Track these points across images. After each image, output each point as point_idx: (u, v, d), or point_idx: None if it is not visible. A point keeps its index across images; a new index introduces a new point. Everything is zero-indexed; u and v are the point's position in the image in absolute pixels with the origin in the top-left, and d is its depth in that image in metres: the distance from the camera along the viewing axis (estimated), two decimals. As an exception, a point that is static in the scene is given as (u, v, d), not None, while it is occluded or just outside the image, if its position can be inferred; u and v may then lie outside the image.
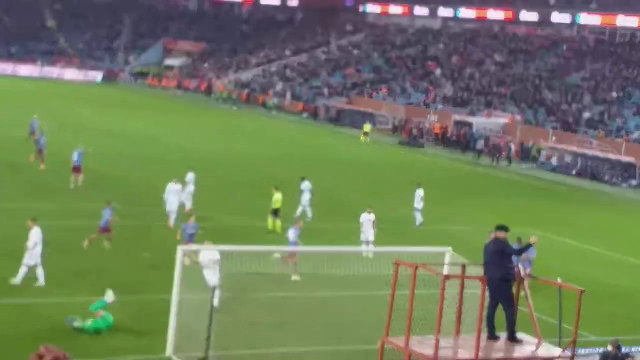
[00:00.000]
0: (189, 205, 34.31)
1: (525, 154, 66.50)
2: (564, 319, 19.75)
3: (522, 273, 16.04)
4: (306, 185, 36.03)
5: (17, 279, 24.11)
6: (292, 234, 27.54)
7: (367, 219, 30.43)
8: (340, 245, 27.66)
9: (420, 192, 37.00)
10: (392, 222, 37.08)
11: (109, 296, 21.87)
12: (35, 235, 24.16)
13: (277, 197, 33.09)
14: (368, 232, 30.17)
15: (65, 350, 19.53)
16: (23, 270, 24.18)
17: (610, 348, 19.37)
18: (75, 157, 38.15)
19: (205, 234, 28.76)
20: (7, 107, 67.07)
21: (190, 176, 35.64)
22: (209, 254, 22.08)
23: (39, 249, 24.24)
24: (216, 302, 21.52)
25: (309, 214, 35.67)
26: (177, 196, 32.75)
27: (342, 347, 21.21)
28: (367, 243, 29.76)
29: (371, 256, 25.29)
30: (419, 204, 36.83)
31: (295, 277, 25.82)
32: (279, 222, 33.07)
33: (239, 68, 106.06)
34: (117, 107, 77.13)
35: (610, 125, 67.90)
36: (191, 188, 35.08)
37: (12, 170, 41.43)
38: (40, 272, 24.26)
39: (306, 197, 35.77)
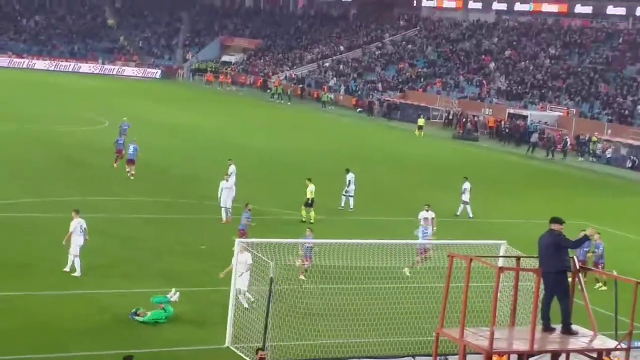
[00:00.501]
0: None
1: (580, 147, 65.84)
2: (620, 312, 19.75)
3: (577, 265, 16.05)
4: (350, 176, 37.07)
5: (76, 271, 24.76)
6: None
7: (425, 216, 30.40)
8: (394, 239, 27.89)
9: (466, 185, 37.47)
10: (447, 215, 37.19)
11: (173, 295, 22.33)
12: (72, 225, 24.79)
13: (311, 188, 34.01)
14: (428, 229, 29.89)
15: (123, 341, 20.09)
16: (70, 259, 24.86)
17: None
18: (130, 149, 40.07)
19: (257, 226, 29.28)
20: (69, 103, 68.34)
21: (232, 168, 36.42)
22: (242, 256, 22.22)
23: (77, 239, 24.81)
24: (245, 303, 22.11)
25: (351, 203, 36.87)
26: (229, 192, 33.25)
27: (396, 338, 21.40)
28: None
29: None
30: (465, 196, 37.34)
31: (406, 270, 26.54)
32: (312, 213, 33.85)
33: (293, 64, 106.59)
34: (175, 102, 78.16)
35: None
36: (233, 179, 35.56)
37: (68, 163, 42.38)
38: (77, 263, 24.86)
39: (351, 188, 36.92)
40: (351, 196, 36.97)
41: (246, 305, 22.24)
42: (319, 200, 34.84)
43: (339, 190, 37.58)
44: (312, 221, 33.34)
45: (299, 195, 36.91)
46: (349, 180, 36.97)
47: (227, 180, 33.61)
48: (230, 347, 20.54)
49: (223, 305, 21.58)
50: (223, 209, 33.01)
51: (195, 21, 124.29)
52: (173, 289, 22.57)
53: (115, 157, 41.57)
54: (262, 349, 17.27)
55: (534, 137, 65.94)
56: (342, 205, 37.15)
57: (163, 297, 22.25)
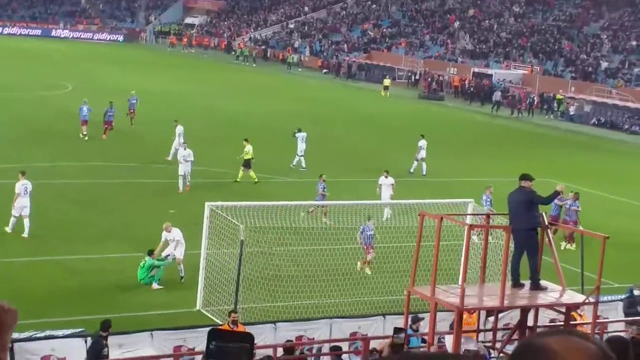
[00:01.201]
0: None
1: (545, 105, 66.31)
2: (587, 267, 20.04)
3: (546, 221, 16.20)
4: (301, 135, 37.32)
5: (25, 232, 24.74)
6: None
7: (385, 182, 30.48)
8: (364, 199, 28.01)
9: (421, 143, 38.06)
10: (413, 175, 37.41)
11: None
12: (17, 187, 24.84)
13: (248, 148, 34.01)
14: (385, 195, 30.02)
15: (95, 306, 20.08)
16: (12, 221, 24.93)
17: (637, 292, 19.66)
18: (84, 111, 40.69)
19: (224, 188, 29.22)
20: (30, 68, 67.42)
21: (179, 129, 36.94)
22: (165, 233, 22.80)
23: (22, 201, 24.75)
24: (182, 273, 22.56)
25: (303, 163, 37.15)
26: (188, 159, 32.40)
27: (367, 297, 21.59)
28: (385, 206, 29.65)
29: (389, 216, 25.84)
30: (421, 154, 37.89)
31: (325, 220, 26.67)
32: (252, 173, 33.88)
33: (257, 25, 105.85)
34: (139, 66, 77.35)
35: (629, 73, 67.50)
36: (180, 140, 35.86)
37: (32, 128, 41.94)
38: (26, 224, 24.84)
39: (301, 147, 37.16)
40: (301, 156, 37.24)
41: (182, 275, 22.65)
42: (282, 162, 34.91)
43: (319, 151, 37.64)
44: (256, 180, 33.62)
45: (264, 157, 36.94)
46: (297, 138, 37.33)
47: (184, 148, 32.74)
48: (202, 310, 20.60)
49: (193, 269, 21.62)
50: (181, 178, 32.06)
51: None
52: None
53: (104, 129, 40.73)
54: (235, 311, 17.32)
55: (497, 96, 66.26)
56: (294, 164, 37.46)
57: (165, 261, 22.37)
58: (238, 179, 33.85)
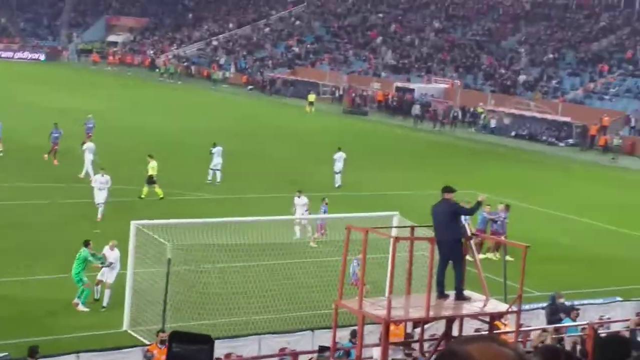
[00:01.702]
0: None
1: (466, 118, 67.55)
2: (509, 276, 20.50)
3: (469, 232, 16.56)
4: (217, 150, 37.95)
5: None
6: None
7: (298, 203, 30.11)
8: (289, 215, 28.17)
9: (336, 156, 38.96)
10: (337, 189, 37.71)
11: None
12: None
13: (152, 164, 34.09)
14: (299, 215, 29.47)
15: (21, 329, 19.78)
16: None
17: (558, 299, 20.17)
18: None
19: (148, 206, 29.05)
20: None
21: (89, 145, 37.34)
22: (107, 251, 22.41)
23: None
24: (107, 300, 22.04)
25: (218, 177, 37.68)
26: (104, 187, 31.11)
27: (296, 313, 21.69)
28: (301, 225, 29.31)
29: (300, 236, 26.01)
30: (337, 166, 38.71)
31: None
32: (158, 189, 33.93)
33: (182, 42, 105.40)
34: (62, 84, 76.23)
35: (546, 86, 69.20)
36: (89, 157, 36.44)
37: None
38: None
39: (216, 161, 37.69)
40: (218, 170, 37.71)
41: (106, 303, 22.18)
42: (206, 178, 35.01)
43: (228, 168, 37.76)
44: (161, 196, 33.68)
45: (192, 176, 36.85)
46: (214, 154, 37.78)
47: (102, 175, 31.30)
48: (129, 330, 20.45)
49: (120, 289, 21.44)
50: (100, 206, 30.64)
51: (79, 1, 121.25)
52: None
53: (51, 152, 39.56)
54: (163, 331, 17.26)
55: (416, 109, 67.47)
56: (210, 179, 37.79)
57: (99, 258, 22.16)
58: (142, 196, 33.84)
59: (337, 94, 77.94)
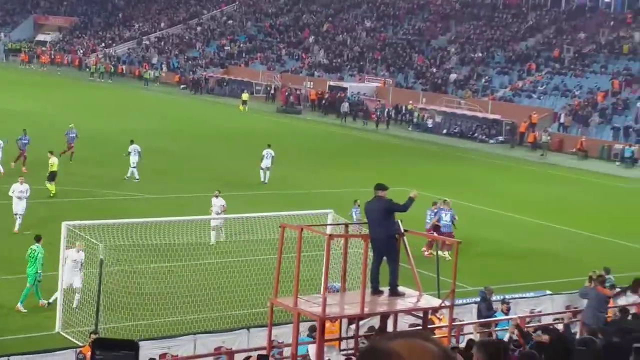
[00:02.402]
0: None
1: (399, 116, 68.13)
2: (443, 272, 20.75)
3: (401, 229, 16.66)
4: (134, 147, 38.09)
5: None
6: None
7: (216, 203, 29.19)
8: (225, 214, 28.06)
9: (265, 152, 39.36)
10: (272, 188, 37.70)
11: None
12: None
13: (52, 161, 33.83)
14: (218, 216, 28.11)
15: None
16: None
17: (487, 294, 20.49)
18: None
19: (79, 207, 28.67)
20: None
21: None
22: (73, 253, 21.38)
23: None
24: (76, 303, 21.31)
25: (136, 175, 37.74)
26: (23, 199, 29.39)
27: (231, 311, 21.63)
28: (218, 228, 28.19)
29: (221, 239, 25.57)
30: (264, 163, 39.13)
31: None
32: (53, 186, 33.60)
33: (112, 41, 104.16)
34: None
35: (476, 84, 70.17)
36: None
37: None
38: None
39: (134, 159, 37.85)
40: (134, 168, 37.85)
41: (75, 305, 21.45)
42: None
43: (159, 167, 37.55)
44: (53, 194, 33.33)
45: (116, 175, 36.53)
46: (130, 152, 37.88)
47: (21, 183, 29.17)
48: (61, 332, 20.16)
49: (51, 290, 21.12)
50: (18, 217, 28.76)
51: (6, 0, 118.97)
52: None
53: (19, 159, 37.69)
54: (95, 332, 17.05)
55: (345, 107, 68.07)
56: (128, 176, 37.82)
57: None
58: (52, 194, 33.38)
59: (270, 93, 77.86)
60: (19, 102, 62.62)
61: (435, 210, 29.79)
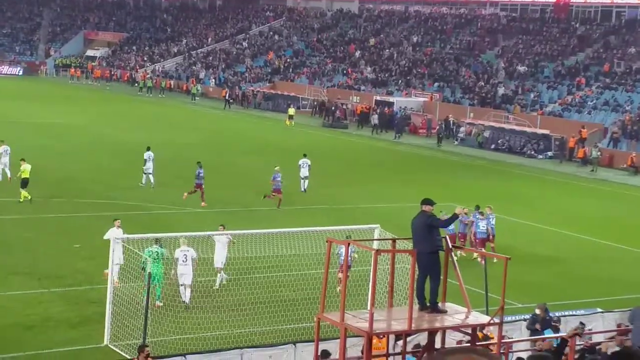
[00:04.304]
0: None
1: (447, 131, 67.72)
2: (490, 288, 20.51)
3: (449, 244, 16.51)
4: (148, 154, 38.87)
5: None
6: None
7: (220, 240, 25.00)
8: (269, 228, 28.06)
9: (300, 162, 40.25)
10: (318, 202, 37.68)
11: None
12: None
13: (25, 167, 34.49)
14: (221, 255, 25.06)
15: (0, 344, 19.58)
16: None
17: (538, 311, 20.15)
18: None
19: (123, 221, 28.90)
20: None
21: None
22: (178, 252, 22.79)
23: None
24: (188, 298, 22.78)
25: (152, 180, 38.50)
26: None
27: (277, 326, 21.59)
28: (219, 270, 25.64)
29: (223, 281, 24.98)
30: (302, 172, 39.86)
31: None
32: (25, 192, 34.12)
33: (161, 56, 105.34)
34: (41, 100, 76.01)
35: (525, 99, 69.59)
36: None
37: None
38: None
39: (149, 166, 38.62)
40: (150, 173, 38.62)
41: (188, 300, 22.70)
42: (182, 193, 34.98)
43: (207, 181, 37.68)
44: (21, 200, 33.85)
45: (171, 189, 36.71)
46: (145, 159, 38.68)
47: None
48: (110, 345, 20.27)
49: (100, 303, 21.28)
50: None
51: (57, 15, 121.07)
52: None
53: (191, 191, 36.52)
54: (146, 345, 17.10)
55: (374, 119, 68.58)
56: (143, 182, 38.60)
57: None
58: (29, 198, 33.97)
59: (316, 108, 77.98)
60: (65, 116, 63.55)
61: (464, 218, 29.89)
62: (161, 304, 22.58)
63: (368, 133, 68.00)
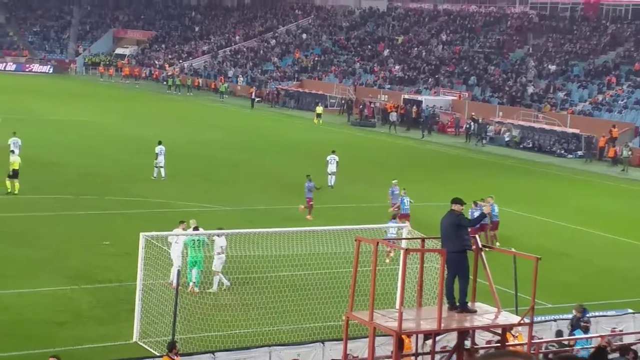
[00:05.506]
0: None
1: (476, 130, 67.32)
2: (520, 288, 20.36)
3: (479, 244, 16.44)
4: (160, 148, 39.77)
5: None
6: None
7: (217, 243, 24.52)
8: (297, 226, 28.06)
9: (329, 158, 40.72)
10: (346, 201, 37.63)
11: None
12: None
13: (13, 159, 35.23)
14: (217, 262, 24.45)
15: (29, 341, 19.74)
16: None
17: (575, 312, 20.03)
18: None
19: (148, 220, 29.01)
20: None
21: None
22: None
23: None
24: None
25: (163, 174, 39.53)
26: None
27: (306, 324, 21.58)
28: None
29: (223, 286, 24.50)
30: (329, 168, 40.42)
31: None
32: (17, 184, 34.71)
33: (189, 55, 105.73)
34: (70, 97, 76.55)
35: (554, 98, 69.08)
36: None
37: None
38: None
39: (160, 160, 39.55)
40: (161, 167, 39.61)
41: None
42: (221, 191, 34.87)
43: (228, 182, 37.86)
44: (15, 192, 34.44)
45: (196, 187, 36.83)
46: (157, 153, 39.53)
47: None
48: (139, 342, 20.36)
49: (130, 300, 21.39)
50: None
51: (86, 14, 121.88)
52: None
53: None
54: (176, 342, 17.17)
55: (393, 117, 68.67)
56: (155, 176, 39.59)
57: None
58: (14, 191, 34.53)
59: (344, 106, 77.90)
60: (94, 114, 63.95)
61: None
62: (198, 291, 23.12)
63: (397, 132, 67.80)
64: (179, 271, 20.20)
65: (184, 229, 23.69)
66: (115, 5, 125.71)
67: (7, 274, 24.67)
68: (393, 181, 35.35)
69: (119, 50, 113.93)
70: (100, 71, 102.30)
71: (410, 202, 32.65)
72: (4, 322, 21.12)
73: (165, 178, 39.59)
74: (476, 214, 29.76)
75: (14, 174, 34.85)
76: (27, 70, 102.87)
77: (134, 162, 43.24)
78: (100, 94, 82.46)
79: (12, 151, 36.41)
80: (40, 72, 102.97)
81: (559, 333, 20.08)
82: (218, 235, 23.96)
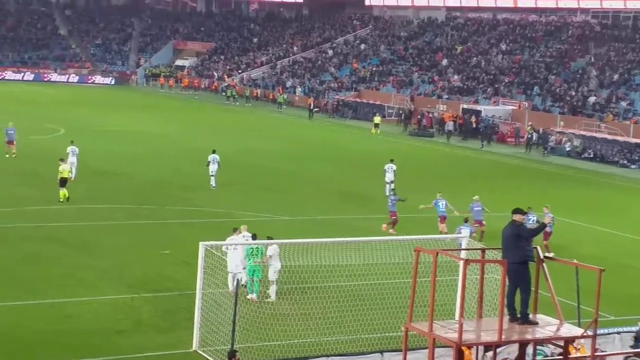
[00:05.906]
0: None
1: (538, 140, 66.50)
2: (582, 300, 20.01)
3: (541, 255, 16.20)
4: (213, 157, 40.35)
5: None
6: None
7: (269, 252, 24.15)
8: (356, 236, 28.00)
9: (386, 167, 40.89)
10: (406, 211, 37.41)
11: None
12: None
13: (63, 167, 35.64)
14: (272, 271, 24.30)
15: (89, 349, 19.96)
16: None
17: (640, 324, 19.68)
18: (10, 131, 45.56)
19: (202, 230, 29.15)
20: (23, 113, 67.43)
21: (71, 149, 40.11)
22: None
23: None
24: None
25: (213, 183, 40.01)
26: None
27: (365, 335, 21.49)
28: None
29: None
30: (387, 177, 40.54)
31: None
32: (65, 191, 35.11)
33: (248, 66, 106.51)
34: (131, 108, 77.69)
35: (617, 107, 67.97)
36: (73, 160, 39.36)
37: (24, 171, 41.84)
38: None
39: (213, 168, 40.16)
40: (212, 175, 40.04)
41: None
42: (279, 200, 34.89)
43: (286, 191, 37.88)
44: (61, 200, 34.88)
45: (255, 197, 36.94)
46: (209, 161, 40.20)
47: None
48: (198, 350, 20.46)
49: (189, 309, 21.51)
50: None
51: (147, 26, 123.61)
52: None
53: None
54: (236, 351, 17.21)
55: (449, 126, 68.78)
56: (213, 184, 40.05)
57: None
58: (62, 200, 34.95)
59: (402, 116, 77.66)
60: (155, 125, 64.71)
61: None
62: (256, 300, 23.30)
63: (454, 141, 67.35)
64: (238, 280, 20.24)
65: (239, 235, 23.88)
66: (176, 18, 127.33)
67: (68, 283, 25.01)
68: (474, 197, 34.10)
69: (178, 62, 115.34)
70: (161, 82, 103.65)
71: (446, 205, 32.56)
72: (65, 330, 21.40)
73: (216, 187, 39.87)
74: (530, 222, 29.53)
75: (62, 183, 35.25)
76: (89, 82, 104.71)
77: (194, 172, 43.55)
78: (161, 105, 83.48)
79: (62, 159, 36.81)
80: (102, 83, 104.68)
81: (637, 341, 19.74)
82: (269, 245, 24.03)
